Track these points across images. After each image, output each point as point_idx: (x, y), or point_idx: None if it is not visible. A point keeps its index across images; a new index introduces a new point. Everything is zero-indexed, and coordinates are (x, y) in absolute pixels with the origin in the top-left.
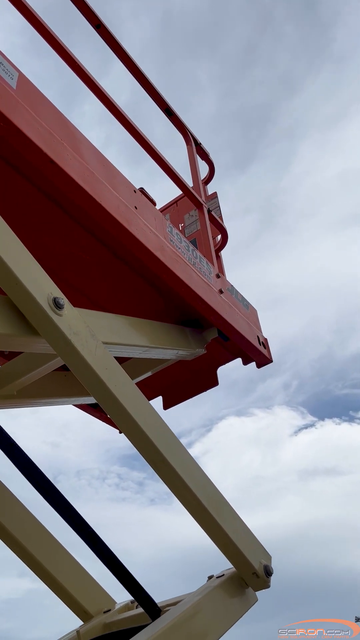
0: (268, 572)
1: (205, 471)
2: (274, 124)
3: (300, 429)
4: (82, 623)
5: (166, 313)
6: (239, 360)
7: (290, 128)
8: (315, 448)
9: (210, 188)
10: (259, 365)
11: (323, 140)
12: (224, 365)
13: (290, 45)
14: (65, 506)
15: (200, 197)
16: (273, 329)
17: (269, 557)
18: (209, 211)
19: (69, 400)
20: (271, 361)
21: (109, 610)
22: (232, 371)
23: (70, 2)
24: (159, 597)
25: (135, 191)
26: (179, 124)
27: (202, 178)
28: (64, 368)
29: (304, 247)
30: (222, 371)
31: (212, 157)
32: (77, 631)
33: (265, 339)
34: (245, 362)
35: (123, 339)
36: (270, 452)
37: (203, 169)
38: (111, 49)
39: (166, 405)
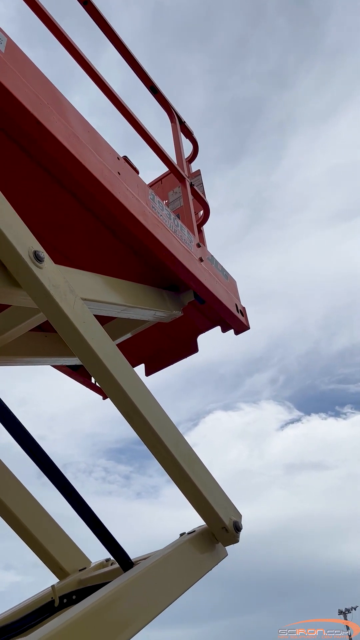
0: (237, 528)
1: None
2: (265, 118)
3: (287, 424)
4: (58, 580)
5: (145, 277)
6: (226, 356)
7: (281, 122)
8: (301, 442)
9: (195, 167)
10: (236, 332)
11: (313, 135)
12: (211, 360)
13: (282, 39)
14: (45, 460)
15: (183, 171)
16: (261, 324)
17: (239, 515)
18: (191, 185)
19: (49, 360)
20: (248, 328)
21: (85, 568)
22: (219, 366)
23: None
24: None
25: (118, 158)
26: (164, 102)
27: (186, 156)
28: (42, 329)
29: (293, 243)
30: (210, 366)
31: (202, 151)
32: (52, 586)
33: (244, 308)
34: (224, 330)
35: (101, 296)
36: (257, 446)
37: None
38: (98, 26)
39: (148, 372)
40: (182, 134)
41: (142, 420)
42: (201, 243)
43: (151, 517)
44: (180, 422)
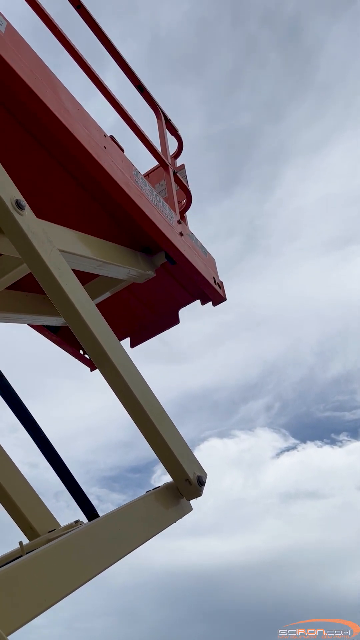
0: (200, 482)
1: None
2: (259, 149)
3: (282, 451)
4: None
5: (122, 243)
6: (220, 383)
7: (274, 152)
8: (296, 471)
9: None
10: (214, 303)
11: (306, 165)
12: (205, 387)
13: (274, 71)
14: (27, 418)
15: (167, 160)
16: (255, 350)
17: (204, 472)
18: (174, 173)
19: (29, 317)
20: (225, 299)
21: (54, 530)
22: (214, 393)
23: None
24: (136, 624)
25: (105, 136)
26: (150, 100)
27: (172, 153)
28: (19, 288)
29: (287, 270)
30: (205, 393)
31: (196, 179)
32: (20, 542)
33: (221, 282)
34: (203, 302)
35: (77, 250)
36: (251, 474)
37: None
38: (90, 28)
39: (133, 344)
40: (167, 131)
41: (111, 367)
42: (182, 222)
43: (143, 547)
44: None
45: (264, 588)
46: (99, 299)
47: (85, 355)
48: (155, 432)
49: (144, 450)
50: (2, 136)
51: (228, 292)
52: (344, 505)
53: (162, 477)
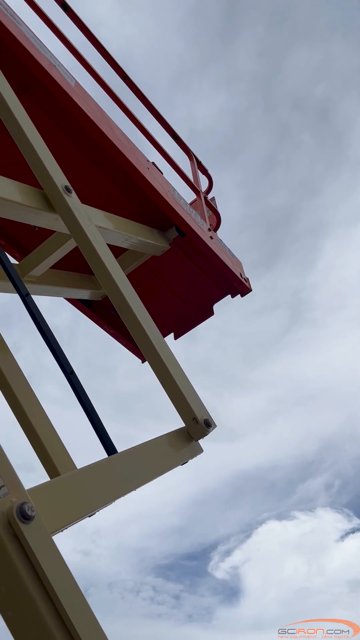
0: (207, 423)
1: (237, 564)
2: (297, 224)
3: (347, 533)
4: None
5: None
6: (275, 461)
7: (313, 227)
8: None
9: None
10: (242, 294)
11: (346, 237)
12: (260, 467)
13: (307, 152)
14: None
15: (199, 187)
16: (309, 425)
17: (212, 419)
18: (205, 198)
19: (70, 291)
20: (251, 290)
21: None
22: (269, 472)
23: (100, 54)
24: None
25: (148, 161)
26: (184, 146)
27: (204, 189)
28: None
29: (335, 341)
30: (259, 473)
31: (238, 254)
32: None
33: (247, 278)
34: (233, 295)
35: (109, 226)
36: (315, 559)
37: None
38: (135, 94)
39: (177, 336)
40: (199, 170)
41: (130, 314)
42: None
43: None
44: (232, 534)
45: None
46: (127, 270)
47: (137, 347)
48: (168, 376)
49: (200, 535)
50: (66, 155)
51: (275, 366)
52: None
53: (219, 564)
